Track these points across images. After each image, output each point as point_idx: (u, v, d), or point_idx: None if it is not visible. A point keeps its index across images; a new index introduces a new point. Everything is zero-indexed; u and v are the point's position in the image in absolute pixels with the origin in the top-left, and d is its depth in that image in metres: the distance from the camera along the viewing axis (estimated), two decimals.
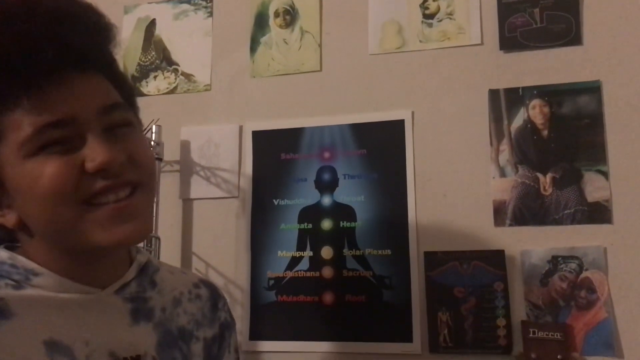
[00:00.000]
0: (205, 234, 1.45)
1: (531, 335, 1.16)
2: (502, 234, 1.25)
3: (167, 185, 1.46)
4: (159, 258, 1.35)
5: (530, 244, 1.23)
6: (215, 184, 1.45)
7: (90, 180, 0.63)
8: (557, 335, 1.15)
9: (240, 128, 1.46)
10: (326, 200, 1.37)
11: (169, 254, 1.41)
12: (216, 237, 1.43)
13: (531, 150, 1.26)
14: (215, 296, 0.85)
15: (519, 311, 1.21)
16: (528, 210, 1.24)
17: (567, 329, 1.16)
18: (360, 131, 1.38)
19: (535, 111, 1.27)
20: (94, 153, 0.62)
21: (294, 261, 1.36)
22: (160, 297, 0.76)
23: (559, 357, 1.13)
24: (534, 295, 1.21)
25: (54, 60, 0.60)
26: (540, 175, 1.25)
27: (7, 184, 0.64)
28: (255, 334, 1.35)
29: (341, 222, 1.35)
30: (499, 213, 1.26)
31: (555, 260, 1.20)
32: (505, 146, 1.28)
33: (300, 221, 1.38)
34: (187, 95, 1.51)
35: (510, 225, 1.25)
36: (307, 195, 1.38)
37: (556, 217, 1.22)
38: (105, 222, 0.63)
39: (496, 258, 1.23)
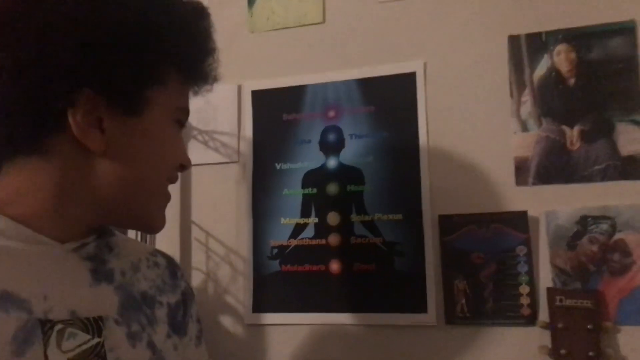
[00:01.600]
0: (204, 202, 1.36)
1: (558, 303, 1.05)
2: (524, 193, 1.14)
3: None
4: None
5: (556, 204, 1.11)
6: (213, 149, 1.36)
7: (178, 168, 0.74)
8: (586, 303, 1.04)
9: (239, 88, 1.36)
10: (331, 163, 1.27)
11: (167, 223, 1.31)
12: (216, 205, 1.34)
13: (556, 101, 1.14)
14: (173, 265, 0.83)
15: (544, 277, 1.10)
16: (553, 167, 1.12)
17: (599, 296, 1.05)
18: (368, 86, 1.26)
19: (560, 57, 1.15)
20: (186, 154, 0.75)
21: (299, 228, 1.27)
22: (118, 260, 0.72)
23: (588, 327, 1.02)
24: (560, 259, 1.09)
25: (213, 67, 0.75)
26: (566, 128, 1.13)
27: (140, 124, 0.66)
28: (259, 306, 1.27)
29: (348, 186, 1.25)
30: (521, 171, 1.14)
31: (585, 221, 1.09)
32: (527, 97, 1.16)
33: (304, 186, 1.28)
34: None
35: (534, 184, 1.13)
36: (311, 157, 1.28)
37: (585, 173, 1.10)
38: (163, 206, 0.72)
39: (518, 220, 1.12)
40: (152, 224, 0.72)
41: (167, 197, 0.74)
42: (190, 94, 0.76)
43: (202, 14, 0.72)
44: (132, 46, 0.63)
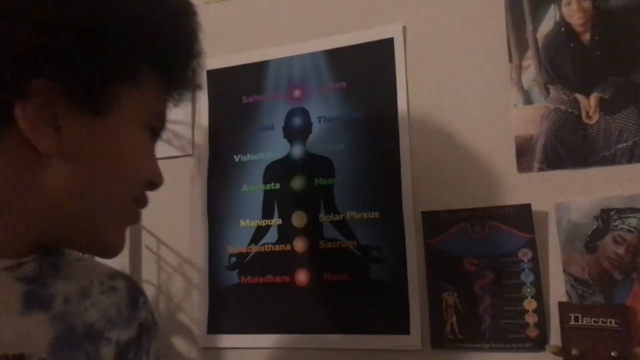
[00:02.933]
0: (156, 203, 1.14)
1: (573, 322, 0.82)
2: (528, 182, 0.91)
3: None
4: None
5: (570, 194, 0.88)
6: (165, 141, 1.17)
7: (146, 185, 0.64)
8: (611, 322, 0.80)
9: None
10: (297, 152, 1.06)
11: None
12: (168, 206, 1.15)
13: (567, 64, 0.90)
14: (135, 291, 0.70)
15: (555, 289, 0.87)
16: (565, 147, 0.89)
17: (627, 313, 0.81)
18: (338, 59, 1.05)
19: (571, 8, 0.91)
20: (158, 170, 0.65)
21: (260, 232, 1.07)
22: (63, 284, 0.62)
23: (613, 354, 0.78)
24: (576, 265, 0.86)
25: (196, 73, 0.67)
26: (581, 97, 0.89)
27: (103, 126, 0.58)
28: (215, 326, 1.07)
29: (316, 179, 1.04)
30: (523, 154, 0.91)
31: (607, 216, 0.85)
32: (530, 61, 0.93)
33: (266, 181, 1.07)
34: None
35: (541, 169, 0.90)
36: (274, 147, 1.08)
37: (606, 154, 0.86)
38: (123, 227, 0.63)
39: (521, 216, 0.89)
40: (106, 246, 0.62)
41: (131, 218, 0.64)
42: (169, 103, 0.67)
43: (188, 11, 0.65)
44: (101, 34, 0.55)
